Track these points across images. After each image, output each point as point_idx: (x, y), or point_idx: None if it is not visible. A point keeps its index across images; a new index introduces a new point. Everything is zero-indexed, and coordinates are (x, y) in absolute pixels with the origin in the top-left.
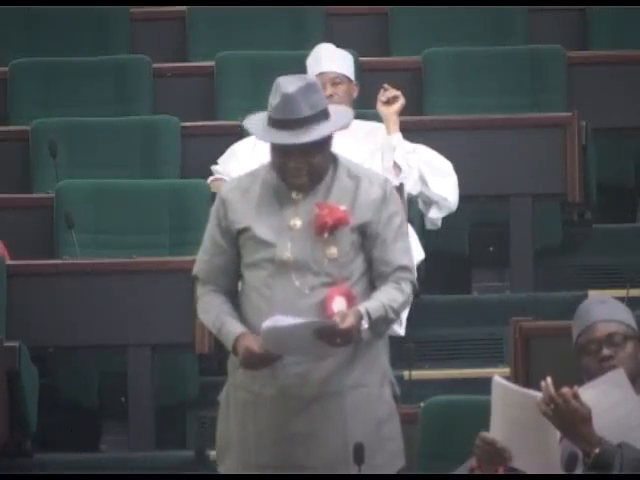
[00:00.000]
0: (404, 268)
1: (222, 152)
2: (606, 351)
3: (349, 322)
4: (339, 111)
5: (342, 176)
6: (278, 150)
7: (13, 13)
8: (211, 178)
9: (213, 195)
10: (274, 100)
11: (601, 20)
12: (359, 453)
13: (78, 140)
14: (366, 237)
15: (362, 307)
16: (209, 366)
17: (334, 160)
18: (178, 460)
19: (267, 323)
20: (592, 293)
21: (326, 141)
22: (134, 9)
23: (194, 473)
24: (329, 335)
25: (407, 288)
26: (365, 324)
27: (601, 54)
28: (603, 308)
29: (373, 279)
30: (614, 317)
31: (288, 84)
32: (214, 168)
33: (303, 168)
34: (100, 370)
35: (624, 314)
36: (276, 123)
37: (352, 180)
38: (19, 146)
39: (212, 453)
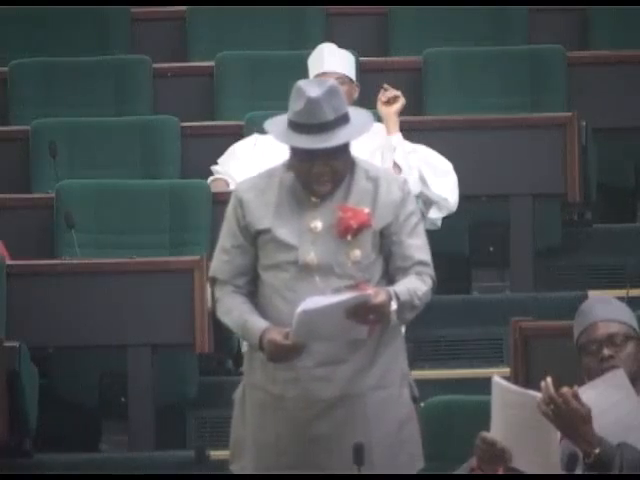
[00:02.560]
0: (423, 263)
1: (222, 152)
2: (607, 351)
3: (382, 297)
4: (358, 114)
5: (360, 178)
6: (301, 155)
7: (13, 13)
8: (211, 178)
9: (213, 195)
10: (297, 104)
11: (601, 20)
12: (359, 453)
13: (78, 140)
14: (384, 237)
15: (390, 289)
16: (209, 366)
17: (352, 162)
18: (178, 460)
19: (303, 306)
20: (592, 293)
21: (348, 145)
22: (134, 9)
23: (194, 473)
24: (362, 311)
25: (428, 281)
26: (394, 304)
27: (601, 54)
28: (604, 308)
29: (392, 275)
30: (615, 317)
31: (311, 88)
32: (214, 168)
33: (327, 173)
34: (100, 370)
35: (625, 314)
36: (299, 127)
37: (371, 182)
38: (19, 146)
39: (212, 453)
